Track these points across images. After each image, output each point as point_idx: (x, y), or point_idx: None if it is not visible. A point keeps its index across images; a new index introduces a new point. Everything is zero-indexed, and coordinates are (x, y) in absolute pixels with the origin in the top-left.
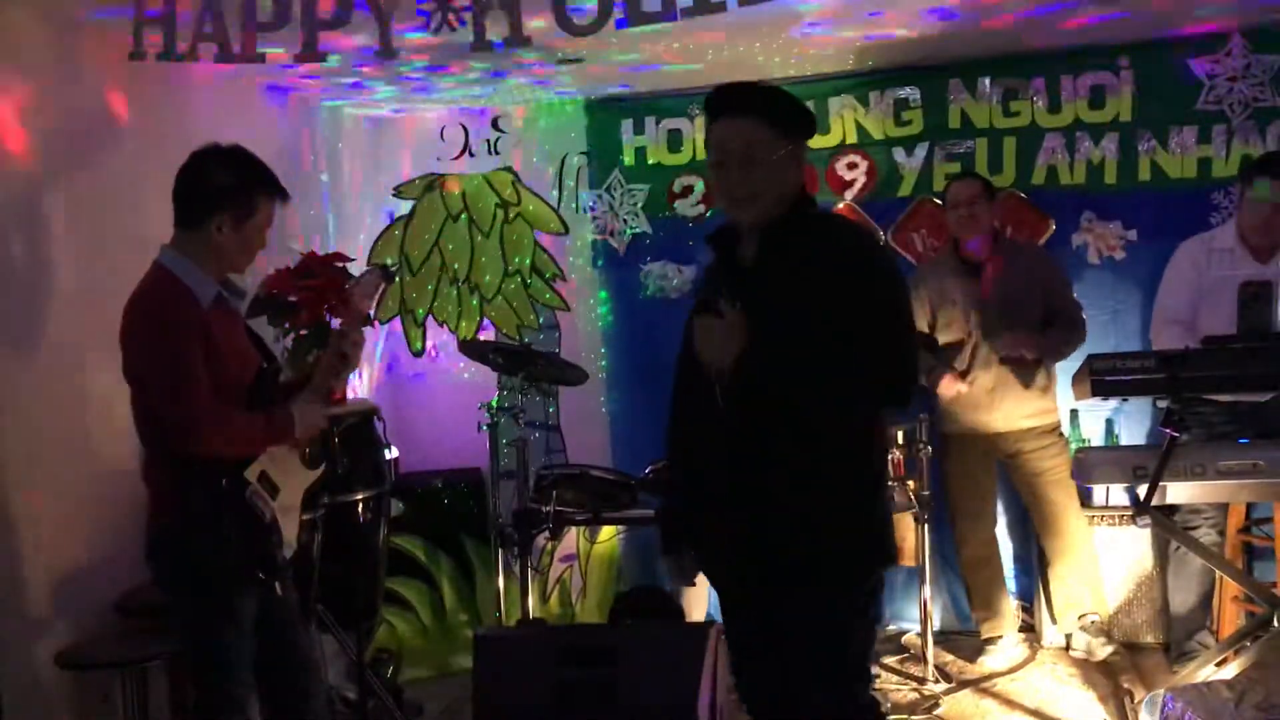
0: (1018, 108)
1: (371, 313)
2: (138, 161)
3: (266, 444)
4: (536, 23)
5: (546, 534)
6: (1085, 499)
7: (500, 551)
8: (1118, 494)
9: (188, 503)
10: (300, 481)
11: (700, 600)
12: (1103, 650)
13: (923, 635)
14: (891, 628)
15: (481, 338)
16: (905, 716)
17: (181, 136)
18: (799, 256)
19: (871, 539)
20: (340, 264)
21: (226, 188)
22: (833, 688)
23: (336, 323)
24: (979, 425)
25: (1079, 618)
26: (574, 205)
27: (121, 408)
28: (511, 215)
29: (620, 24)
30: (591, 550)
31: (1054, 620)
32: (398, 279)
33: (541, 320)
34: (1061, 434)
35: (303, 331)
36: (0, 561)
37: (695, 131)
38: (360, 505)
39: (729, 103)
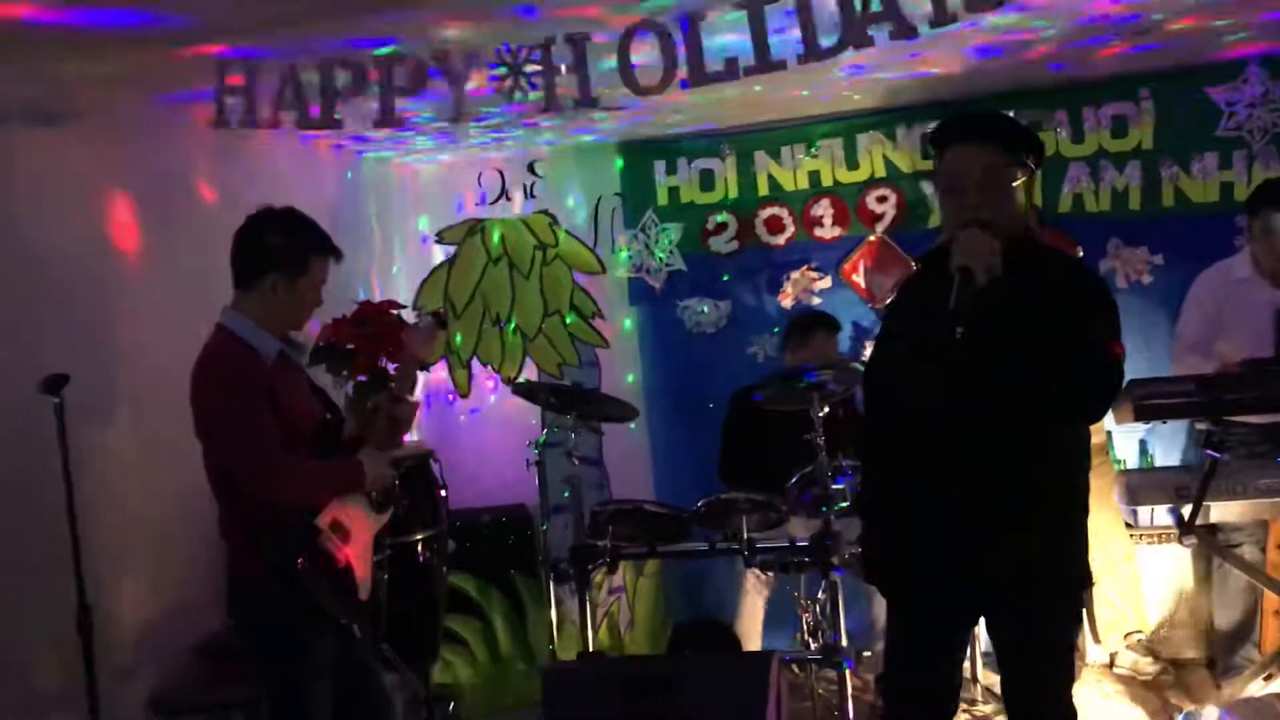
0: (1042, 139)
1: (427, 359)
2: (212, 225)
3: (337, 492)
4: (602, 90)
5: (604, 569)
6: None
7: (552, 586)
8: (1159, 514)
9: (264, 553)
10: (370, 526)
11: (755, 629)
12: (1149, 667)
13: (971, 657)
14: None
15: (524, 377)
16: None
17: (244, 195)
18: (1030, 278)
19: (1086, 550)
20: (393, 311)
21: (279, 248)
22: (1066, 689)
23: (393, 368)
24: None
25: (1125, 636)
26: (610, 245)
27: (196, 463)
28: (550, 257)
29: (684, 85)
30: (639, 583)
31: (1097, 639)
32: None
33: (581, 358)
34: (1105, 454)
35: (361, 378)
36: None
37: (726, 170)
38: (420, 545)
39: (965, 130)
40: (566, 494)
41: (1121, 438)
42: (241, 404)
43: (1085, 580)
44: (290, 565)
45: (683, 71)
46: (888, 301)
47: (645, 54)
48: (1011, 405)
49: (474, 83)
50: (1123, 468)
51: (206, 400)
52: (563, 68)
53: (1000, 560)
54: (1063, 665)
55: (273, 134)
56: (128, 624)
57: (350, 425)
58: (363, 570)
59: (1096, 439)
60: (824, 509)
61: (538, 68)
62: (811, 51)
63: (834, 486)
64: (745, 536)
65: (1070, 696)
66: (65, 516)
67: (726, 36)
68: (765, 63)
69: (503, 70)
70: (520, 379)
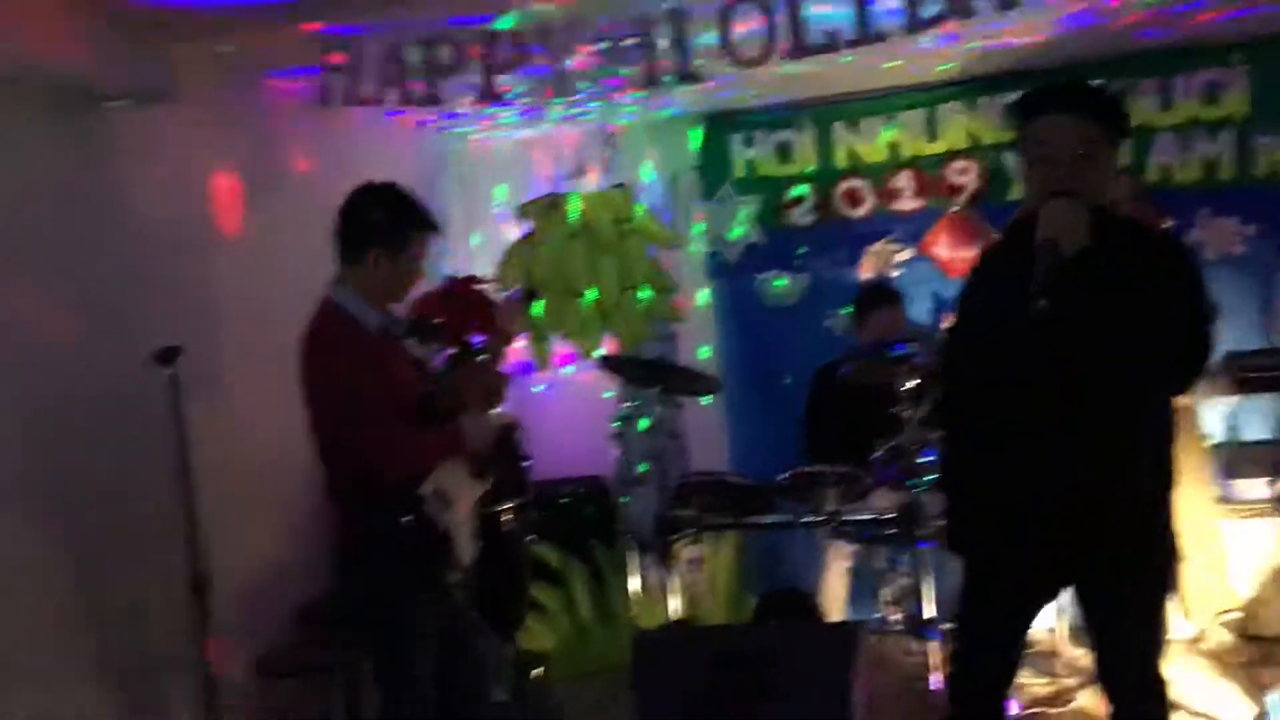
0: (1129, 107)
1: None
2: (306, 199)
3: (441, 458)
4: (699, 61)
5: (688, 540)
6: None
7: (633, 556)
8: (1255, 487)
9: (370, 520)
10: (470, 494)
11: (837, 601)
12: (1238, 645)
13: (1056, 630)
14: None
15: (600, 351)
16: (1043, 709)
17: (335, 171)
18: (1116, 250)
19: (1173, 523)
20: (479, 285)
21: (380, 224)
22: (1157, 657)
23: (480, 341)
24: None
25: (1217, 614)
26: (686, 219)
27: (298, 431)
28: (627, 231)
29: (785, 57)
30: (716, 554)
31: (1186, 615)
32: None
33: (658, 332)
34: (1193, 429)
35: (450, 351)
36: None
37: (804, 143)
38: (507, 515)
39: (1056, 100)
40: (644, 467)
41: (1209, 412)
42: (348, 375)
43: (1175, 552)
44: (396, 532)
45: (784, 43)
46: (969, 272)
47: (746, 27)
48: (1098, 377)
49: (574, 59)
50: (1211, 442)
51: (314, 372)
52: (662, 43)
53: (1090, 529)
54: (1153, 634)
55: (359, 110)
56: (236, 588)
57: (442, 397)
58: (464, 537)
59: (1188, 415)
60: (910, 482)
61: (636, 42)
62: (914, 22)
63: (920, 460)
64: (831, 509)
65: (1160, 666)
66: (180, 485)
67: (825, 7)
68: (866, 34)
69: (603, 46)
70: (596, 353)
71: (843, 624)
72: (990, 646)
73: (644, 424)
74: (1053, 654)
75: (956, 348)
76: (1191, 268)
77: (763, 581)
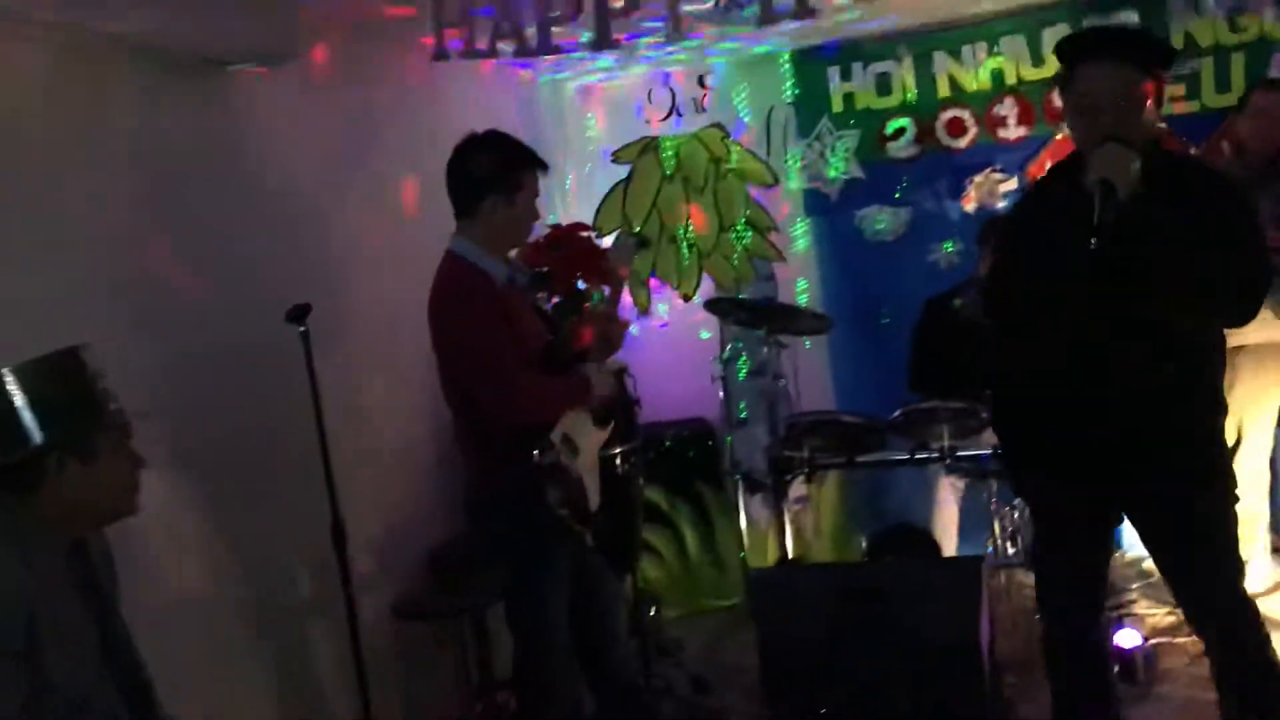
0: (1245, 23)
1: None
2: (420, 153)
3: (569, 406)
4: None
5: (802, 478)
6: None
7: (741, 497)
8: None
9: (504, 466)
10: (595, 440)
11: (950, 536)
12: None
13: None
14: (1130, 554)
15: (700, 293)
16: (1168, 639)
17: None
18: (1166, 188)
19: (1226, 448)
20: (584, 233)
21: (491, 171)
22: (1234, 575)
23: (582, 285)
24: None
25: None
26: (783, 156)
27: (424, 381)
28: (723, 171)
29: None
30: (821, 492)
31: None
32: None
33: (758, 272)
34: None
35: (556, 300)
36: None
37: (903, 73)
38: (619, 459)
39: (1098, 47)
40: (744, 407)
41: None
42: (480, 327)
43: (1231, 477)
44: (530, 478)
45: None
46: (1012, 216)
47: None
48: (1153, 314)
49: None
50: None
51: (446, 325)
52: None
53: (1146, 454)
54: (1223, 551)
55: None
56: (369, 536)
57: (564, 346)
58: (591, 481)
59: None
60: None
61: None
62: None
63: None
64: (946, 444)
65: (1242, 586)
66: (315, 437)
67: None
68: None
69: None
70: (695, 295)
71: (965, 559)
72: (1070, 580)
73: (744, 365)
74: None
75: (1004, 289)
76: (1242, 201)
77: (869, 519)
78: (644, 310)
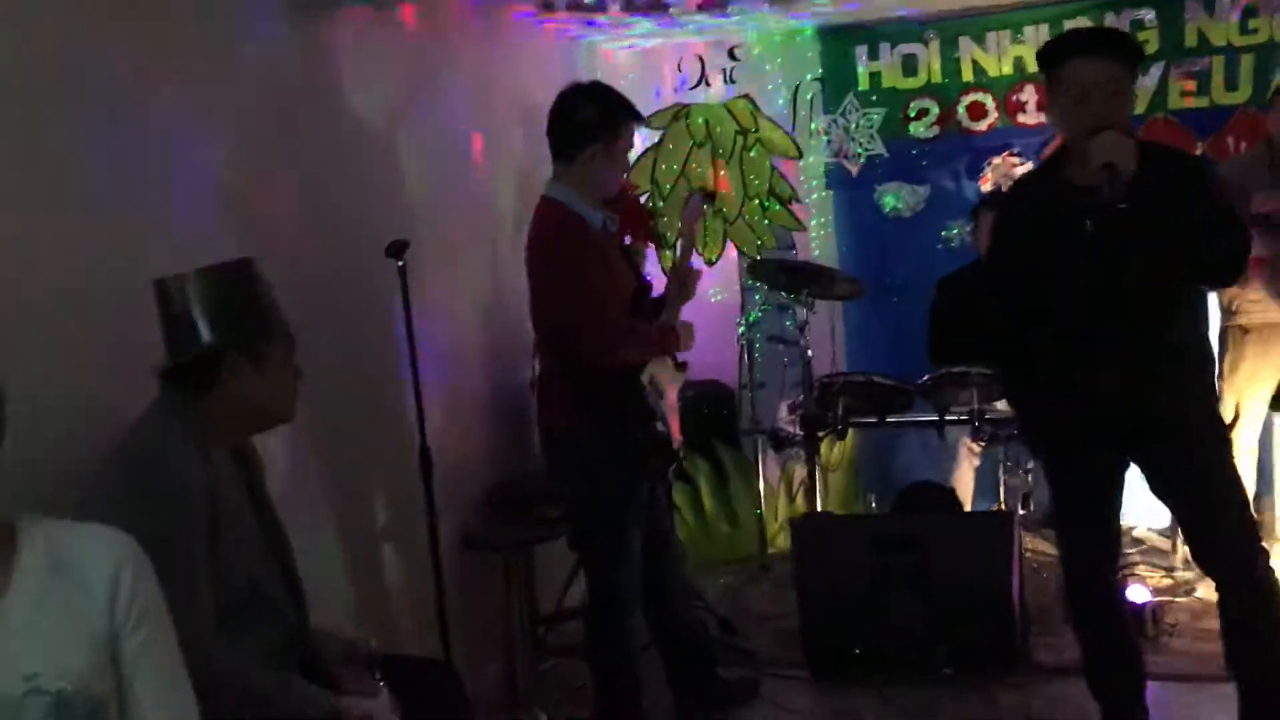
0: (1256, 25)
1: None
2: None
3: (661, 353)
4: None
5: (833, 436)
6: None
7: (759, 456)
8: None
9: (596, 407)
10: (675, 384)
11: (966, 496)
12: None
13: (1172, 528)
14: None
15: (723, 259)
16: (1168, 599)
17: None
18: (1155, 170)
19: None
20: (632, 192)
21: (595, 119)
22: (1245, 524)
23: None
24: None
25: None
26: (809, 130)
27: (484, 323)
28: (750, 142)
29: None
30: (832, 453)
31: None
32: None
33: (779, 241)
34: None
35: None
36: (402, 462)
37: (930, 56)
38: None
39: (1089, 44)
40: (759, 371)
41: None
42: (581, 272)
43: (1226, 430)
44: (625, 417)
45: None
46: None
47: None
48: (1150, 284)
49: None
50: None
51: (547, 268)
52: None
53: (1149, 408)
54: (1230, 496)
55: (515, 20)
56: (443, 467)
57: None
58: (674, 423)
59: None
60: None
61: None
62: None
63: None
64: (976, 407)
65: (1253, 534)
66: (408, 369)
67: None
68: None
69: None
70: (718, 261)
71: (998, 513)
72: (1089, 533)
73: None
74: (1171, 552)
75: (1002, 269)
76: (1210, 173)
77: (874, 478)
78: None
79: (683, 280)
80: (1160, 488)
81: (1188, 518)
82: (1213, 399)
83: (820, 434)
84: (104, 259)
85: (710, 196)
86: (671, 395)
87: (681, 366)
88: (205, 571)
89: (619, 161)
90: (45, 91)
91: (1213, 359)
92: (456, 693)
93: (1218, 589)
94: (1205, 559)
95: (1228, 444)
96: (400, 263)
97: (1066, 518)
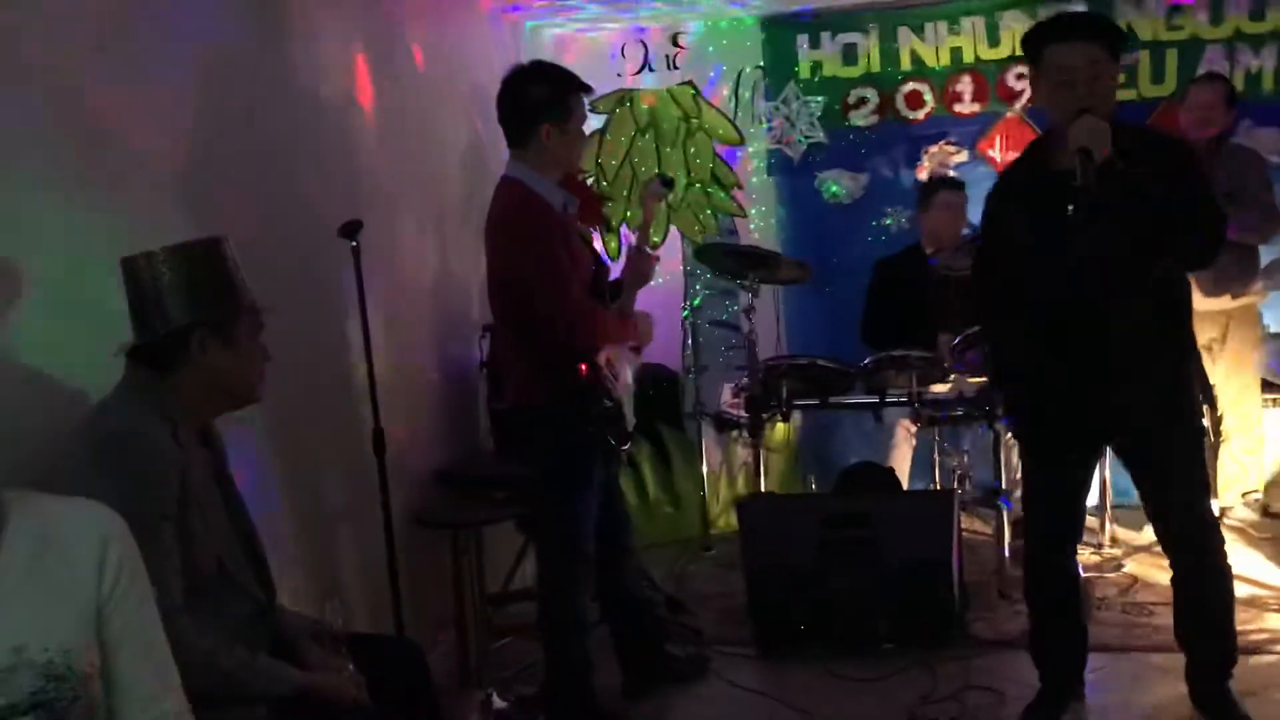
0: (1181, 21)
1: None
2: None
3: (620, 339)
4: None
5: (777, 418)
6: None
7: (703, 438)
8: None
9: (554, 387)
10: (631, 367)
11: (903, 476)
12: (1260, 520)
13: (1101, 507)
14: None
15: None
16: (1096, 574)
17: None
18: (1135, 153)
19: (1195, 386)
20: (579, 176)
21: (544, 97)
22: (1205, 499)
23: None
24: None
25: (1243, 495)
26: (750, 117)
27: (432, 305)
28: (693, 128)
29: None
30: (773, 434)
31: (1214, 494)
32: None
33: (721, 226)
34: (1255, 324)
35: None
36: (354, 442)
37: (870, 45)
38: None
39: (1072, 29)
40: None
41: (1270, 311)
42: (546, 253)
43: (1200, 411)
44: (582, 396)
45: None
46: (995, 189)
47: None
48: (1129, 264)
49: None
50: (1270, 332)
51: (511, 250)
52: None
53: (1127, 386)
54: (1197, 477)
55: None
56: (393, 448)
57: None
58: (628, 404)
59: (1249, 310)
60: (990, 366)
61: None
62: None
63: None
64: (915, 389)
65: (1208, 506)
66: (361, 349)
67: None
68: None
69: None
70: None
71: (939, 491)
72: (1054, 507)
73: (695, 308)
74: (1099, 531)
75: (993, 251)
76: (1195, 159)
77: (812, 460)
78: (614, 258)
79: (640, 264)
80: (1129, 464)
81: (1152, 496)
82: (1187, 387)
83: (764, 416)
84: (63, 239)
85: (669, 182)
86: (627, 376)
87: (637, 350)
88: (174, 551)
89: (574, 138)
90: None
91: (1194, 348)
92: (420, 668)
93: (1174, 570)
94: (1162, 534)
95: (1196, 431)
96: (354, 243)
97: (1038, 494)
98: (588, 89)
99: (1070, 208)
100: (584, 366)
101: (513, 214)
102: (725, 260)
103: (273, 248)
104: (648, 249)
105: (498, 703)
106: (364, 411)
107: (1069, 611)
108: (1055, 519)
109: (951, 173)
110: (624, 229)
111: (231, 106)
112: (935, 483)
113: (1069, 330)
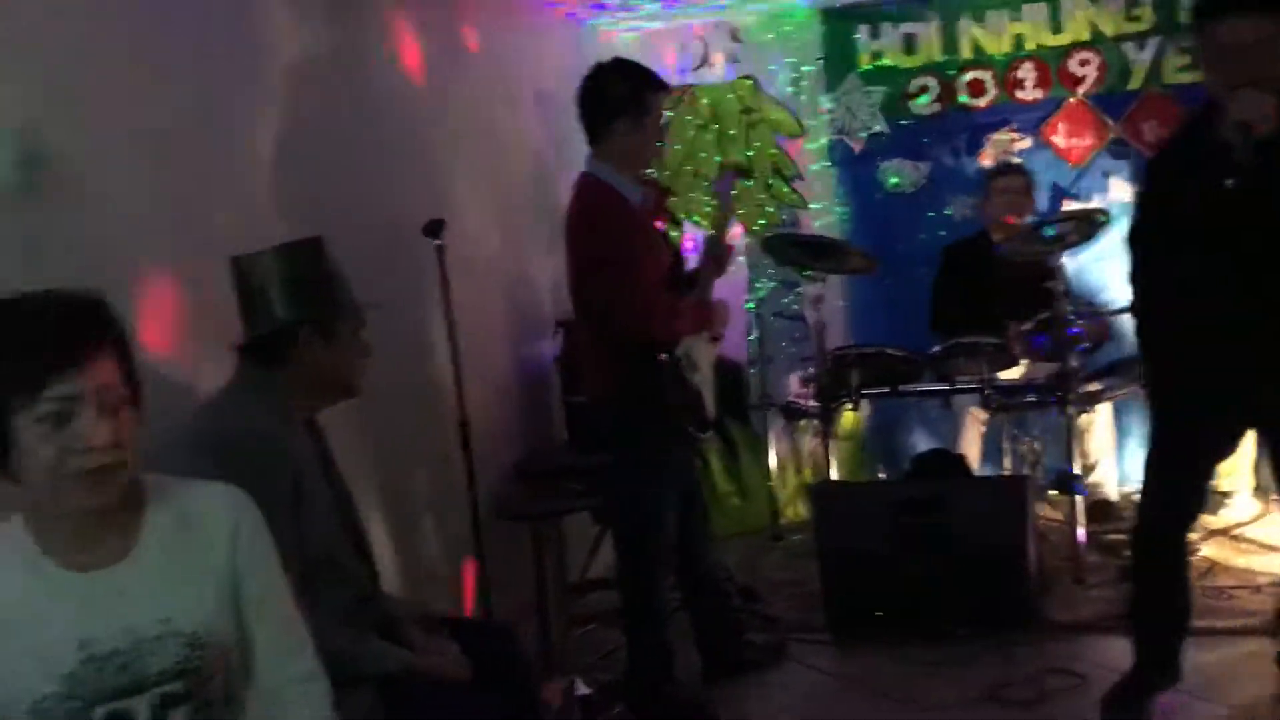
0: None
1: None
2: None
3: (698, 329)
4: None
5: (847, 407)
6: None
7: (770, 430)
8: None
9: (634, 378)
10: (710, 357)
11: (973, 461)
12: None
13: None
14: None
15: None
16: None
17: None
18: None
19: None
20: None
21: (622, 94)
22: None
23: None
24: None
25: None
26: (811, 109)
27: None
28: (754, 121)
29: None
30: (841, 423)
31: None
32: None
33: (784, 218)
34: None
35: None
36: (439, 436)
37: (931, 34)
38: None
39: (1232, 3)
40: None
41: None
42: (624, 246)
43: None
44: (662, 387)
45: None
46: (1152, 159)
47: None
48: None
49: None
50: None
51: (590, 244)
52: None
53: (1273, 371)
54: None
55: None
56: (475, 440)
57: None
58: (707, 392)
59: None
60: (1063, 352)
61: None
62: None
63: (1069, 332)
64: (986, 376)
65: None
66: (445, 345)
67: None
68: None
69: None
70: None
71: (1012, 477)
72: (1186, 484)
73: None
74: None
75: (1146, 222)
76: None
77: (880, 449)
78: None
79: (718, 255)
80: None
81: None
82: None
83: (834, 405)
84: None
85: (742, 171)
86: (706, 368)
87: (715, 339)
88: (289, 540)
89: (651, 134)
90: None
91: None
92: (516, 650)
93: None
94: None
95: None
96: (438, 241)
97: (1167, 467)
98: (665, 86)
99: (1228, 181)
100: (664, 357)
101: (591, 208)
102: (792, 251)
103: (359, 246)
104: (724, 238)
105: (581, 689)
106: (445, 407)
107: (1181, 588)
108: (1181, 495)
109: (1015, 160)
110: (686, 224)
111: (316, 110)
112: (1006, 469)
113: (1224, 307)
